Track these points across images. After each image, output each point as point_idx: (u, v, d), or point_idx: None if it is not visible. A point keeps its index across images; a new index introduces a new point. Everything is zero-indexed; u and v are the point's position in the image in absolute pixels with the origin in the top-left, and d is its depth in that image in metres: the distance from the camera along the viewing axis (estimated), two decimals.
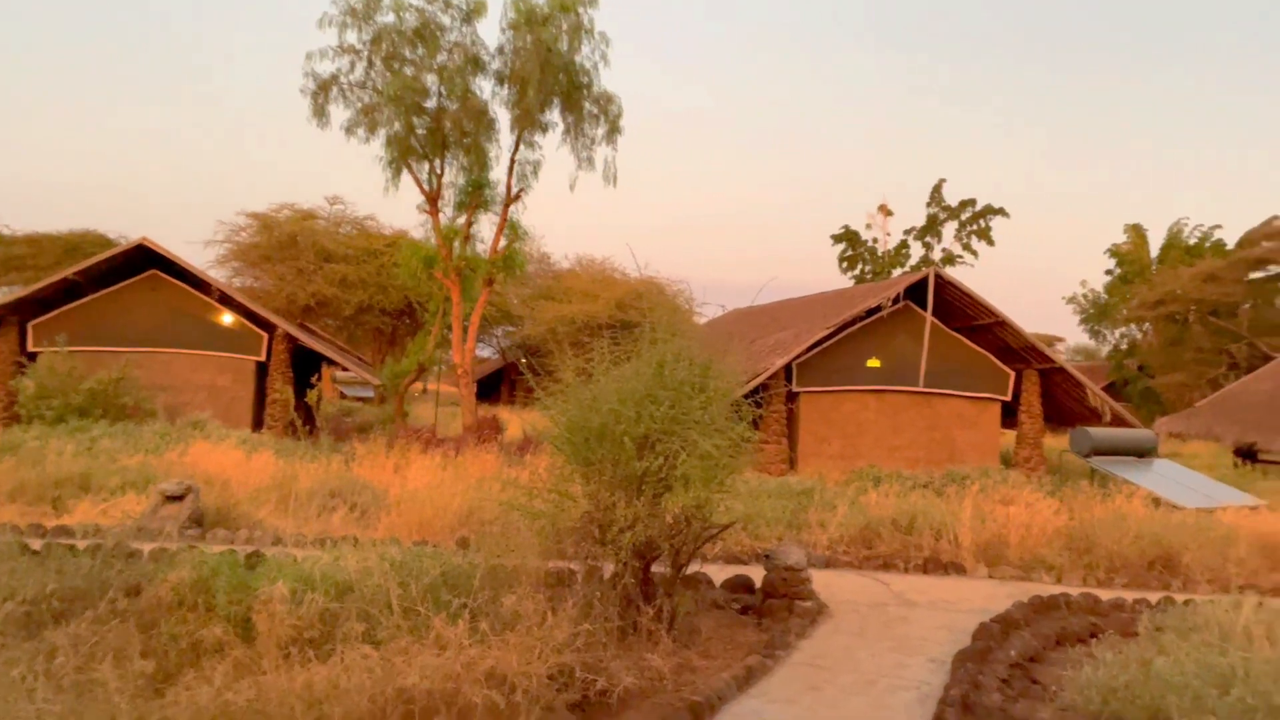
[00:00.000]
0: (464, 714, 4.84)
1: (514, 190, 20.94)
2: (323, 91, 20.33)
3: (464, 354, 20.78)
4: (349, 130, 20.51)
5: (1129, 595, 9.80)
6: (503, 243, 21.07)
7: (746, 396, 9.07)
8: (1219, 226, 44.33)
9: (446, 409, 28.44)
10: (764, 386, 18.91)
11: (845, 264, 46.27)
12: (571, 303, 36.28)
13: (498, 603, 6.14)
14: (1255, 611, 6.95)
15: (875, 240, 45.59)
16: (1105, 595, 9.61)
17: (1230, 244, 42.47)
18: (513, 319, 40.81)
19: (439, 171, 20.91)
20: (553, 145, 23.33)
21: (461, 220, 21.14)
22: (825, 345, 19.95)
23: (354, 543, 8.66)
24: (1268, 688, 4.85)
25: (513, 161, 20.81)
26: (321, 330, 32.35)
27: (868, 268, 45.51)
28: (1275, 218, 40.26)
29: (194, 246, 61.02)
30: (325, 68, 20.15)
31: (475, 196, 20.89)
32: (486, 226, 21.49)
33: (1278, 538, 11.73)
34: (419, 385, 29.56)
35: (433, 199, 20.95)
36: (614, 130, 20.57)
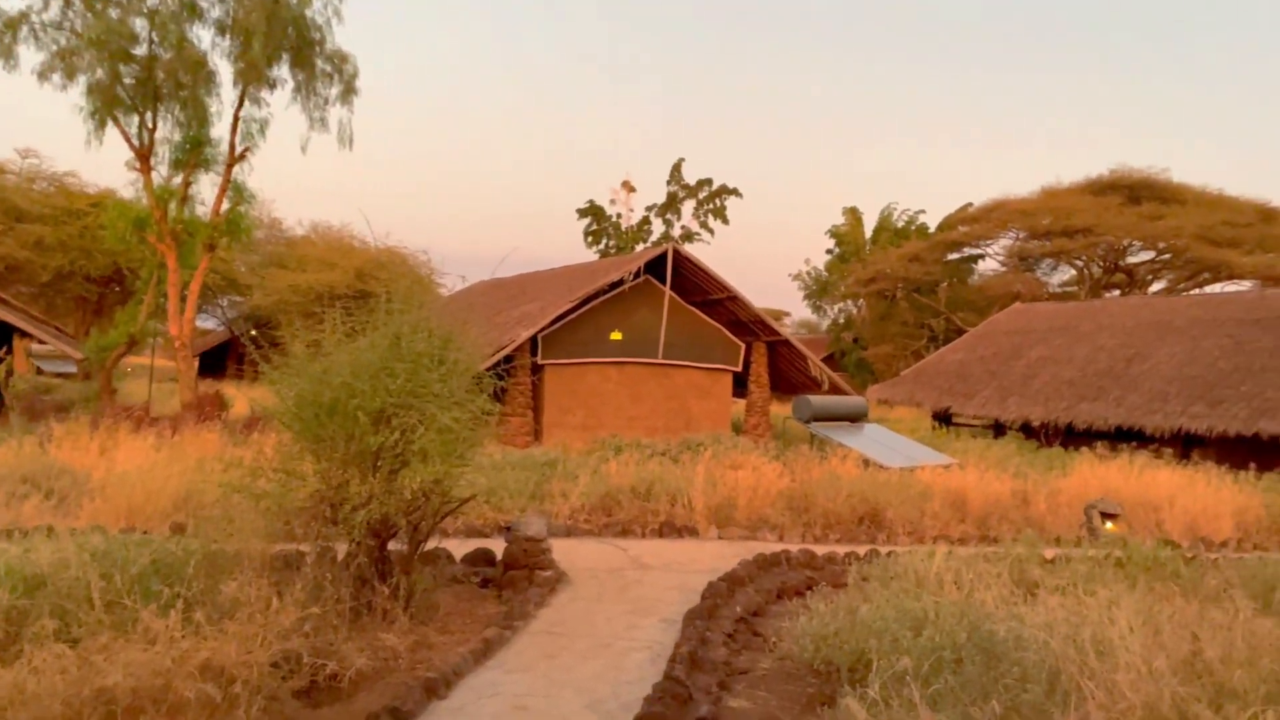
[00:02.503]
0: (175, 711, 4.49)
1: (238, 149, 19.51)
2: (10, 30, 17.94)
3: (182, 325, 19.18)
4: (42, 75, 18.26)
5: (841, 549, 10.66)
6: (226, 205, 19.59)
7: (493, 369, 9.02)
8: (923, 211, 49.07)
9: (164, 385, 26.21)
10: (510, 359, 18.87)
11: (590, 238, 46.98)
12: (307, 271, 34.42)
13: (216, 591, 5.74)
14: (945, 560, 7.76)
15: (619, 216, 46.60)
16: (821, 550, 10.40)
17: (932, 228, 47.08)
18: (240, 288, 38.15)
19: (151, 126, 19.09)
20: (282, 103, 21.80)
21: (178, 180, 19.45)
22: (570, 318, 20.19)
23: (48, 532, 7.81)
24: (952, 626, 5.43)
25: (236, 118, 19.37)
26: (13, 299, 28.75)
27: (612, 242, 46.45)
28: (969, 205, 45.09)
29: None
30: (14, 3, 17.83)
31: (194, 154, 19.25)
32: (207, 187, 19.91)
33: (965, 492, 13.17)
34: (130, 360, 27.05)
35: (144, 156, 19.10)
36: (349, 91, 19.64)
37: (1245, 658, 4.83)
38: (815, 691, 5.98)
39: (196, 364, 22.99)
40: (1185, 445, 19.31)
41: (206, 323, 44.05)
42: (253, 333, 32.55)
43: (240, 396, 22.55)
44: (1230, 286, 37.50)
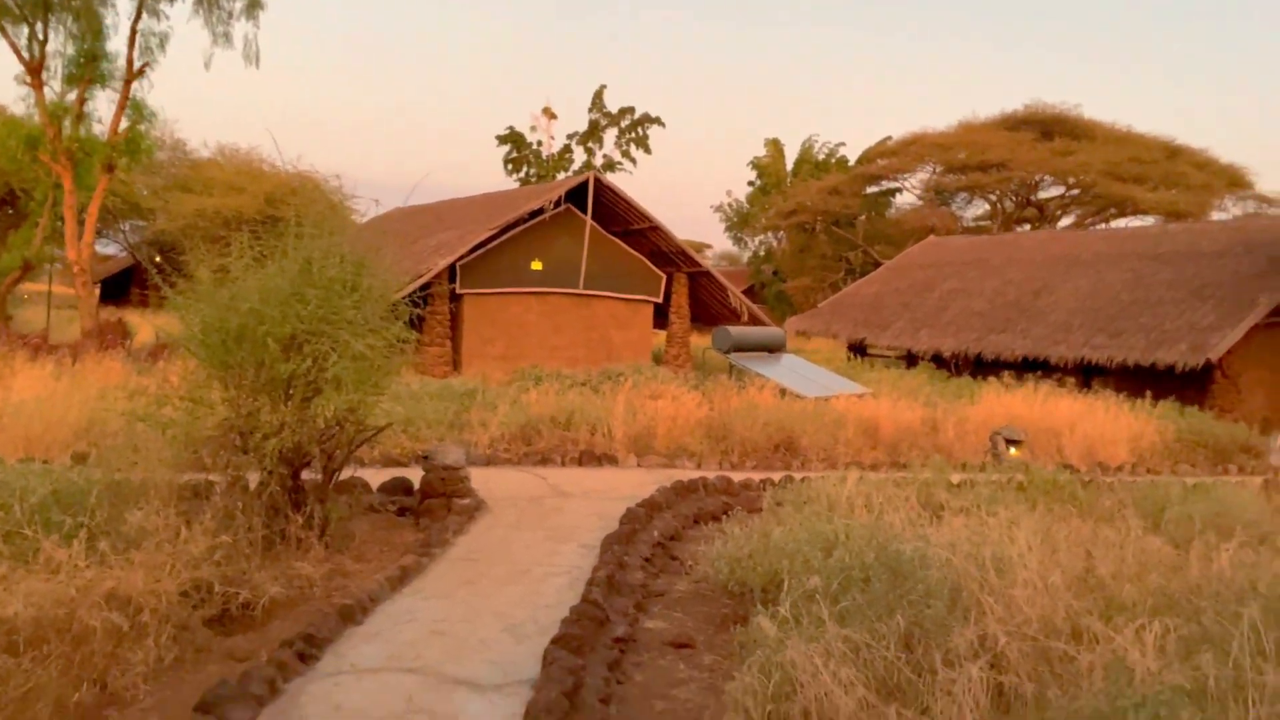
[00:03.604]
0: (80, 641, 4.38)
1: (136, 64, 18.50)
2: None
3: (80, 249, 18.34)
4: None
5: (757, 476, 10.88)
6: (125, 123, 18.64)
7: (409, 298, 8.82)
8: (843, 144, 49.32)
9: (63, 314, 25.13)
10: (427, 288, 18.55)
11: (510, 166, 46.12)
12: (214, 195, 33.13)
13: (121, 520, 5.58)
14: (856, 484, 7.97)
15: (539, 144, 45.77)
16: (737, 477, 10.59)
17: (852, 161, 47.42)
18: (143, 212, 36.58)
19: (42, 38, 17.98)
20: (184, 16, 20.70)
21: (72, 96, 18.41)
22: (489, 247, 19.88)
23: None
24: (861, 547, 5.59)
25: (134, 31, 18.33)
26: None
27: (532, 170, 45.68)
28: (888, 138, 45.49)
29: None
30: None
31: (89, 69, 18.21)
32: (105, 104, 19.02)
33: (878, 420, 13.52)
34: (27, 287, 25.82)
35: (35, 69, 18.00)
36: (255, 4, 18.71)
37: (1135, 573, 5.10)
38: (729, 612, 6.14)
39: (98, 291, 22.08)
40: (1087, 375, 20.11)
41: (108, 249, 42.26)
42: (157, 259, 31.33)
43: (144, 325, 21.76)
44: (1135, 222, 38.81)
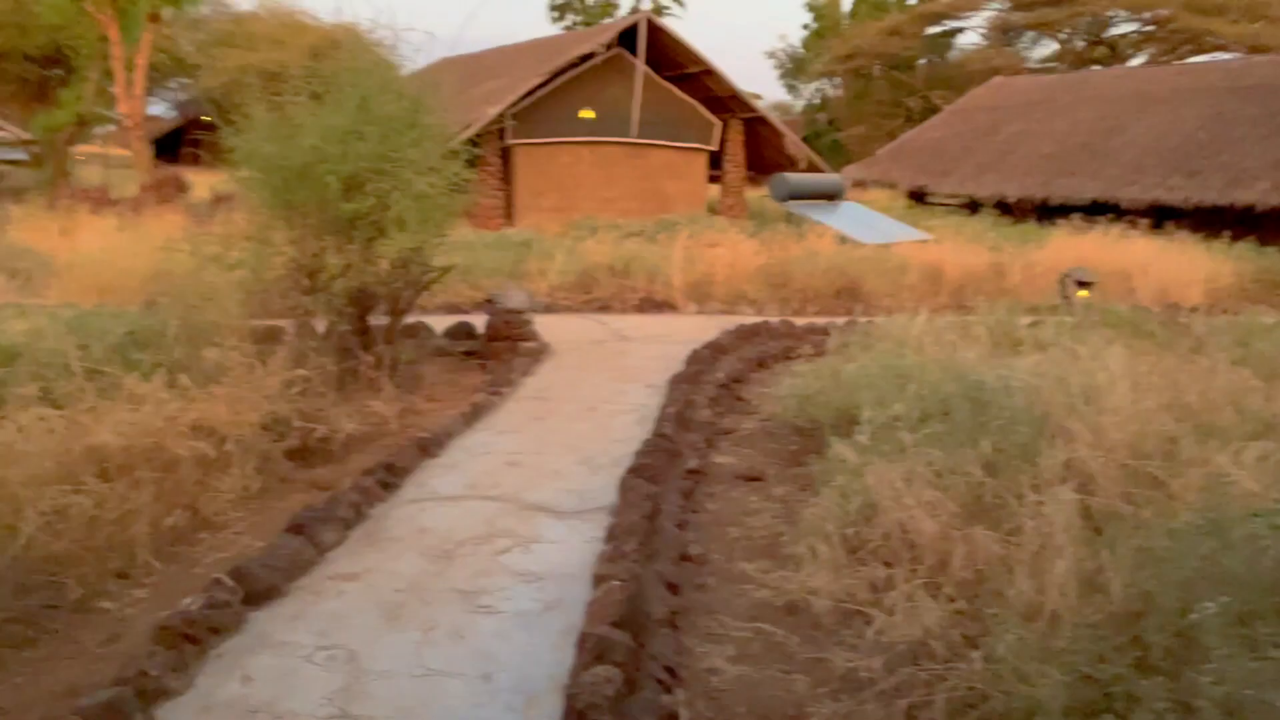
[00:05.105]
0: (169, 469, 4.49)
1: None
2: None
3: (131, 102, 18.23)
4: None
5: (820, 321, 10.74)
6: None
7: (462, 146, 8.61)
8: None
9: (119, 172, 25.24)
10: (477, 139, 18.21)
11: (556, 14, 44.59)
12: (257, 50, 32.51)
13: (197, 358, 5.65)
14: (925, 324, 7.81)
15: None
16: (800, 322, 10.46)
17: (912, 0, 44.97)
18: (188, 69, 36.13)
19: None
20: None
21: None
22: (538, 95, 19.35)
23: (19, 311, 7.61)
24: (936, 378, 5.49)
25: None
26: None
27: (578, 19, 44.12)
28: None
29: None
30: None
31: None
32: None
33: (941, 265, 13.17)
34: (83, 149, 25.83)
35: None
36: None
37: (1226, 401, 4.93)
38: (798, 448, 6.12)
39: (152, 149, 22.06)
40: (1160, 218, 19.33)
41: (157, 109, 42.06)
42: (206, 116, 31.15)
43: (199, 181, 21.81)
44: (1215, 58, 36.55)
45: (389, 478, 4.96)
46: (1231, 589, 2.70)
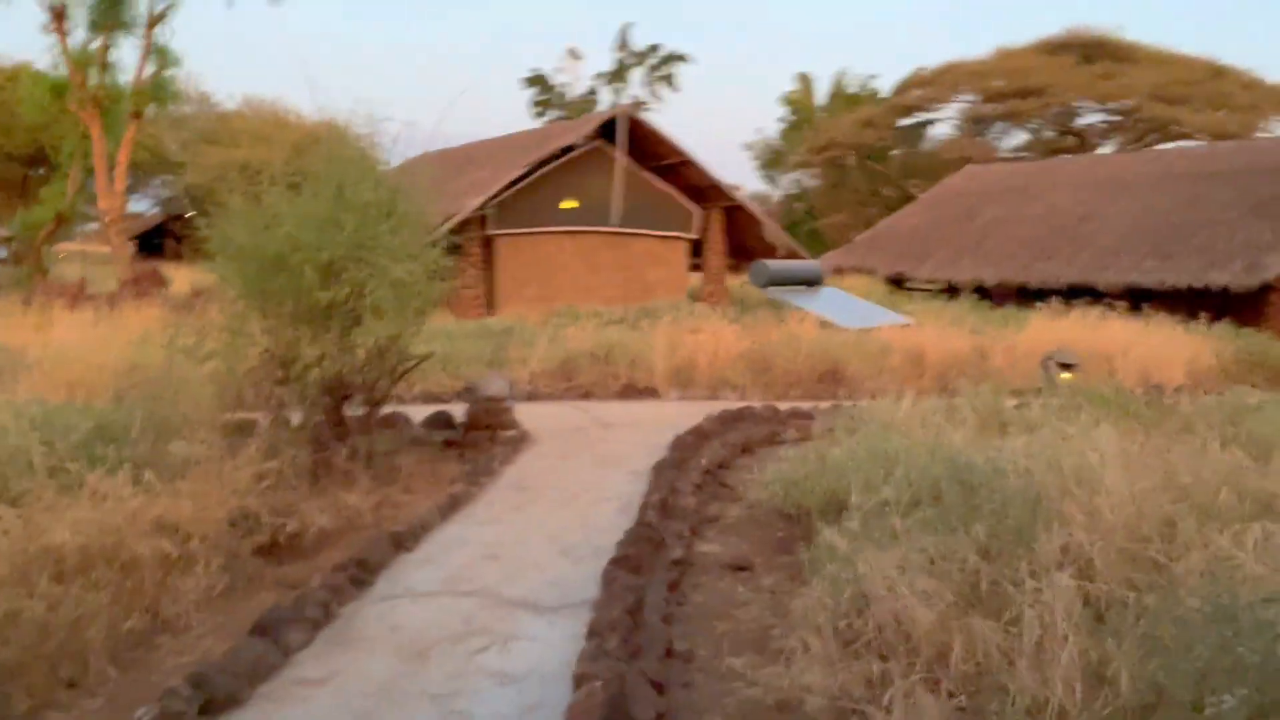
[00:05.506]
0: (129, 569, 4.28)
1: (159, 8, 18.25)
2: None
3: (112, 198, 18.29)
4: None
5: (804, 406, 10.64)
6: (150, 69, 18.44)
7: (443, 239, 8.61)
8: (876, 76, 48.11)
9: (99, 269, 25.21)
10: (459, 230, 18.32)
11: (537, 109, 45.59)
12: (241, 146, 32.97)
13: (164, 453, 5.46)
14: (909, 407, 7.73)
15: (566, 85, 45.13)
16: (783, 407, 10.36)
17: (885, 93, 46.26)
18: (172, 166, 36.56)
19: None
20: None
21: (97, 44, 18.20)
22: (521, 186, 19.57)
23: None
24: (925, 461, 5.37)
25: None
26: None
27: (559, 113, 45.10)
28: (921, 68, 44.24)
29: None
30: None
31: (111, 15, 17.96)
32: (129, 52, 18.72)
33: (923, 349, 13.18)
34: (63, 247, 25.85)
35: (58, 15, 17.79)
36: None
37: (1221, 482, 4.82)
38: (786, 535, 5.96)
39: (132, 245, 22.09)
40: (1136, 300, 19.52)
41: (140, 205, 42.39)
42: (187, 211, 31.36)
43: (179, 276, 21.77)
44: (1179, 146, 37.57)
45: (361, 574, 4.76)
46: (1248, 680, 2.55)
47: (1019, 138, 43.12)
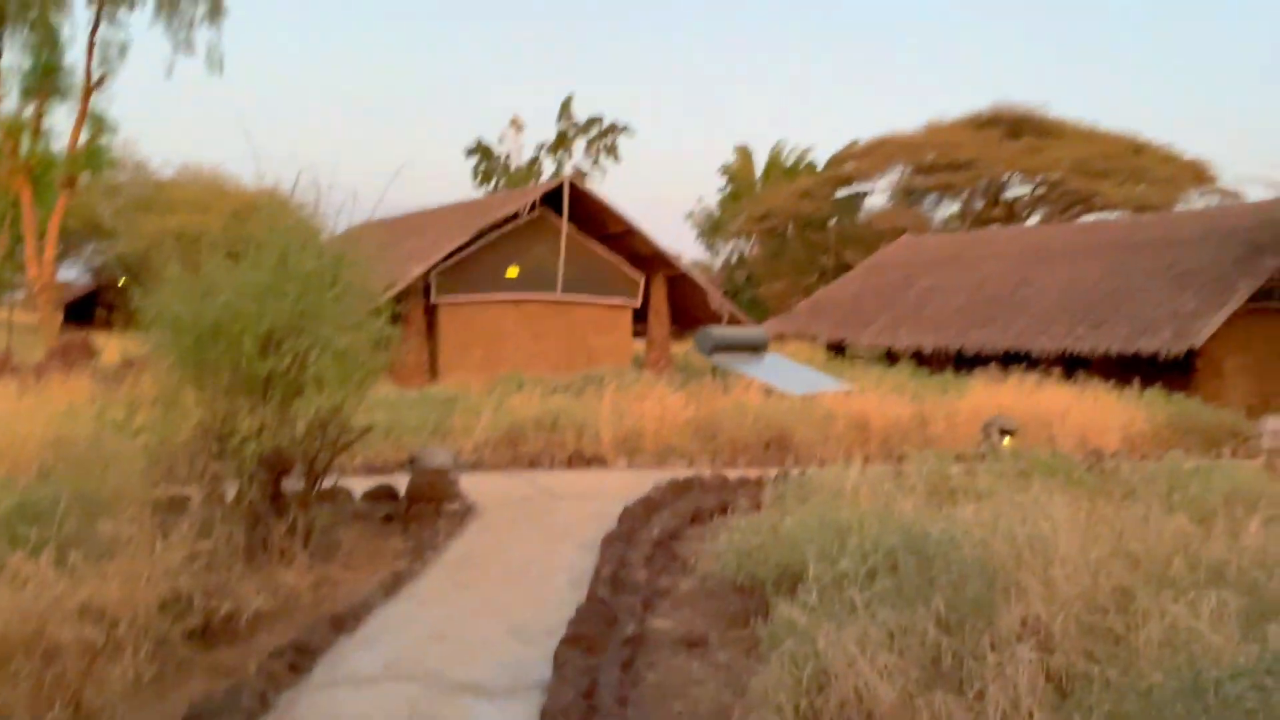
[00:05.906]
0: (51, 658, 4.01)
1: (95, 76, 18.05)
2: None
3: (41, 266, 17.82)
4: None
5: (752, 473, 10.60)
6: (85, 137, 18.16)
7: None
8: (811, 148, 49.41)
9: (26, 338, 24.44)
10: (402, 297, 18.17)
11: (480, 178, 45.86)
12: (177, 214, 32.41)
13: (91, 532, 5.20)
14: (858, 475, 7.72)
15: (508, 155, 45.52)
16: (732, 475, 10.31)
17: (821, 164, 47.48)
18: (105, 234, 35.77)
19: None
20: (144, 24, 20.27)
21: (30, 111, 17.91)
22: (464, 254, 19.53)
23: None
24: (877, 531, 5.33)
25: (92, 42, 17.94)
26: None
27: (502, 182, 45.42)
28: (855, 141, 45.59)
29: None
30: None
31: (46, 82, 17.73)
32: (64, 119, 18.46)
33: (867, 415, 13.29)
34: None
35: None
36: (216, 10, 18.32)
37: (1170, 548, 4.86)
38: (739, 608, 5.85)
39: (61, 313, 21.48)
40: (1070, 366, 19.98)
41: (71, 273, 41.40)
42: (123, 281, 30.63)
43: (110, 346, 21.18)
44: (1102, 217, 39.06)
45: (298, 659, 4.53)
46: None
47: (951, 208, 44.51)
